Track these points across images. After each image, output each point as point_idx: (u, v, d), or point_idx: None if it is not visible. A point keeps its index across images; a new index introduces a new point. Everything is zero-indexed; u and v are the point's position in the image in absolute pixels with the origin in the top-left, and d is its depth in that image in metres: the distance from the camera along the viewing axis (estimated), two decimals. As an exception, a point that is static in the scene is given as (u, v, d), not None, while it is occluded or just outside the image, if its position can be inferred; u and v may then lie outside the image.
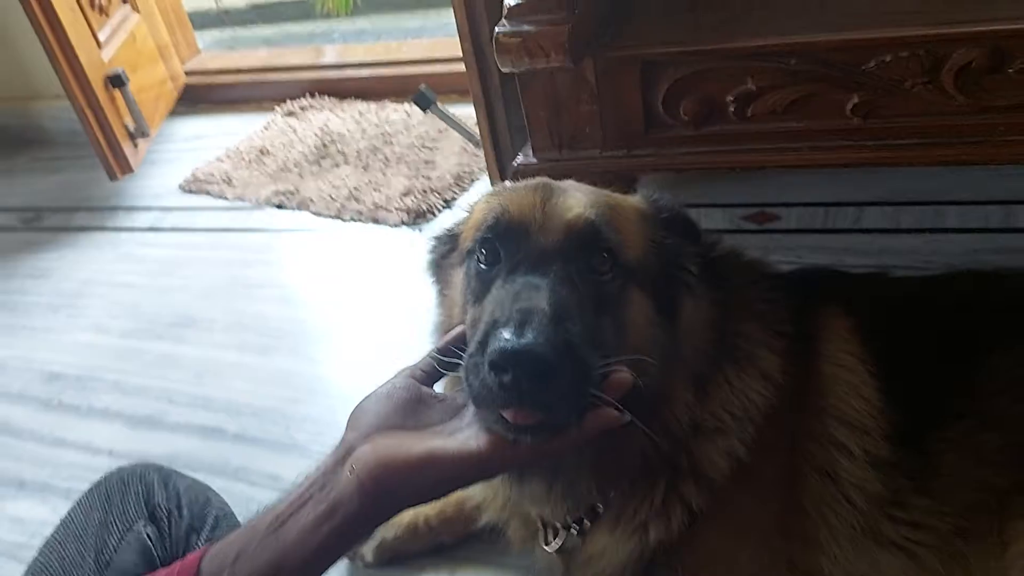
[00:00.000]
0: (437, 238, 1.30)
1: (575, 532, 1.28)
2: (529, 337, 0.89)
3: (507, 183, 1.25)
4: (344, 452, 0.92)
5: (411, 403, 0.99)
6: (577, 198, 1.11)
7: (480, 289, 1.09)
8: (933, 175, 2.24)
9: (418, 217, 2.71)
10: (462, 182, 2.85)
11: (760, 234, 2.30)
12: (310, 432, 1.95)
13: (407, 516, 1.57)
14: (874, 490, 1.24)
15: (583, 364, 0.93)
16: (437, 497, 1.12)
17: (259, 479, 1.85)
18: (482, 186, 2.79)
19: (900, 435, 1.27)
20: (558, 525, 1.29)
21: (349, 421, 0.98)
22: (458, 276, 1.18)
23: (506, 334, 0.89)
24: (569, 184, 1.18)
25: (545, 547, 1.31)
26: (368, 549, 1.57)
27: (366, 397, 1.01)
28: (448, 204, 2.77)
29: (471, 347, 0.98)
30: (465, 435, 0.93)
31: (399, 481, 0.89)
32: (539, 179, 1.19)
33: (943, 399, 1.29)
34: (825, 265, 1.53)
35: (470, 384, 0.94)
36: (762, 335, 1.28)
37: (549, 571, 1.37)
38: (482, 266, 1.10)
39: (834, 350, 1.33)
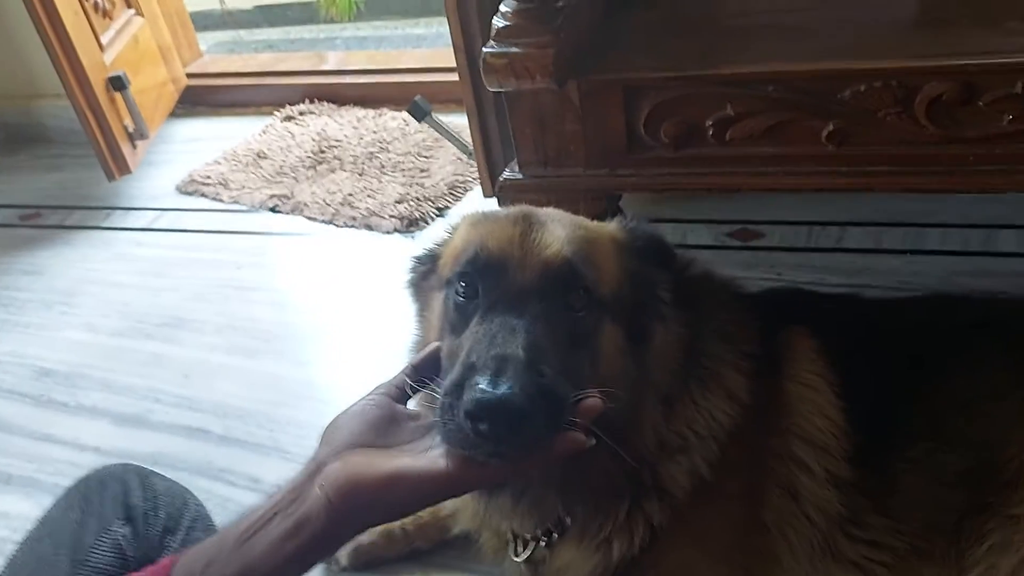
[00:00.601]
0: (418, 259, 1.32)
1: (543, 544, 1.31)
2: (504, 388, 0.91)
3: (488, 210, 1.26)
4: (315, 468, 0.94)
5: (384, 421, 1.00)
6: (556, 234, 1.13)
7: (458, 321, 1.11)
8: (916, 197, 2.27)
9: (411, 225, 2.74)
10: (456, 191, 2.89)
11: (743, 251, 2.33)
12: (294, 436, 1.98)
13: (383, 521, 1.60)
14: (833, 509, 1.28)
15: (557, 402, 0.95)
16: (406, 515, 1.15)
17: (241, 481, 1.88)
18: (475, 196, 2.82)
19: (861, 455, 1.30)
20: (527, 536, 1.32)
21: (322, 437, 0.99)
22: (437, 300, 1.20)
23: (482, 384, 0.91)
24: (549, 215, 1.19)
25: (515, 558, 1.34)
26: (343, 553, 1.60)
27: (340, 414, 1.02)
28: (441, 212, 2.80)
29: (446, 384, 0.99)
30: (434, 454, 0.94)
31: (367, 499, 0.90)
32: (520, 209, 1.22)
33: (904, 420, 1.32)
34: (794, 286, 1.56)
35: (444, 424, 0.95)
36: (729, 356, 1.31)
37: (519, 581, 1.40)
38: (460, 298, 1.12)
39: (799, 370, 1.36)
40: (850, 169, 1.56)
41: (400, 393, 1.07)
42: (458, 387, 0.95)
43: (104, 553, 1.19)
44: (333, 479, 0.91)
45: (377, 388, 1.06)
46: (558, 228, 1.15)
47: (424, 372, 1.11)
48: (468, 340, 1.04)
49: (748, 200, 2.44)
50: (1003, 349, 1.36)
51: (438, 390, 1.01)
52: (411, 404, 1.09)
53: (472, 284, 1.11)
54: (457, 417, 0.92)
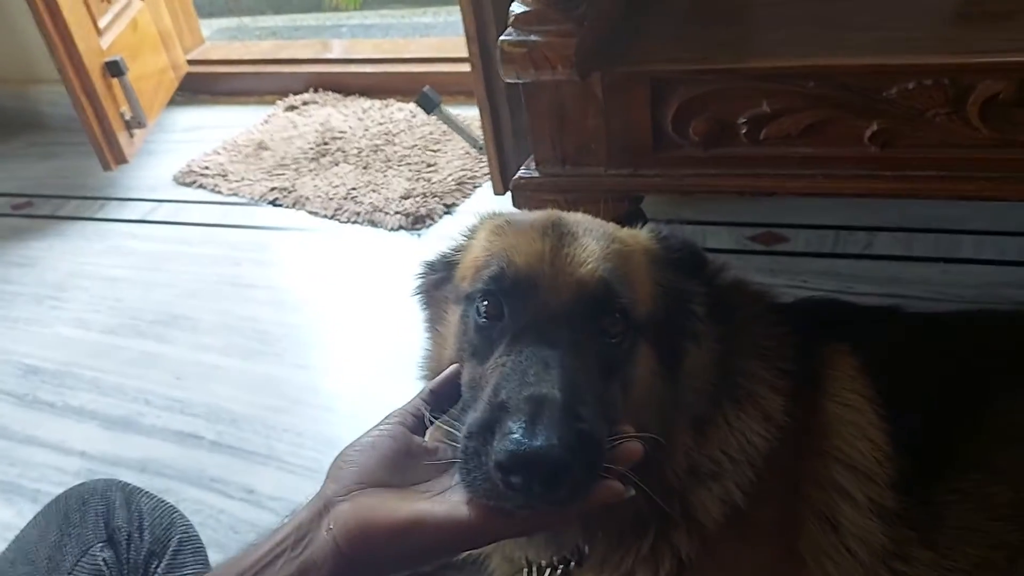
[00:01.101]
0: (430, 264, 1.21)
1: (559, 574, 1.21)
2: (542, 440, 0.81)
3: (511, 216, 1.15)
4: (322, 506, 0.85)
5: (398, 455, 0.91)
6: (589, 249, 1.03)
7: (481, 345, 1.01)
8: (949, 202, 2.17)
9: (417, 222, 2.64)
10: (464, 187, 2.78)
11: (766, 255, 2.24)
12: (292, 444, 1.88)
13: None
14: (876, 541, 1.19)
15: (596, 448, 0.87)
16: (420, 566, 1.05)
17: (233, 491, 1.78)
18: (485, 192, 2.72)
19: (906, 483, 1.21)
20: (543, 563, 1.23)
21: (330, 471, 0.90)
22: (453, 314, 1.10)
23: (516, 432, 0.82)
24: (580, 224, 1.09)
25: (528, 586, 1.24)
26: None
27: (350, 445, 0.93)
28: (449, 209, 2.70)
29: (471, 424, 0.89)
30: (456, 499, 0.85)
31: (379, 546, 0.82)
32: (548, 216, 1.11)
33: (952, 446, 1.24)
34: (832, 297, 1.46)
35: (468, 471, 0.85)
36: (765, 373, 1.22)
37: (531, 610, 1.30)
38: (483, 319, 1.02)
39: (840, 389, 1.27)
40: (894, 173, 1.46)
41: (417, 422, 0.97)
42: (486, 430, 0.86)
43: (83, 579, 1.10)
44: (343, 522, 0.82)
45: (391, 416, 0.96)
46: (591, 242, 1.04)
47: (443, 398, 1.01)
48: (495, 373, 0.94)
49: (772, 202, 2.34)
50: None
51: (457, 423, 0.91)
52: (427, 434, 0.99)
53: (497, 305, 1.00)
54: (485, 465, 0.83)
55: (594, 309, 0.99)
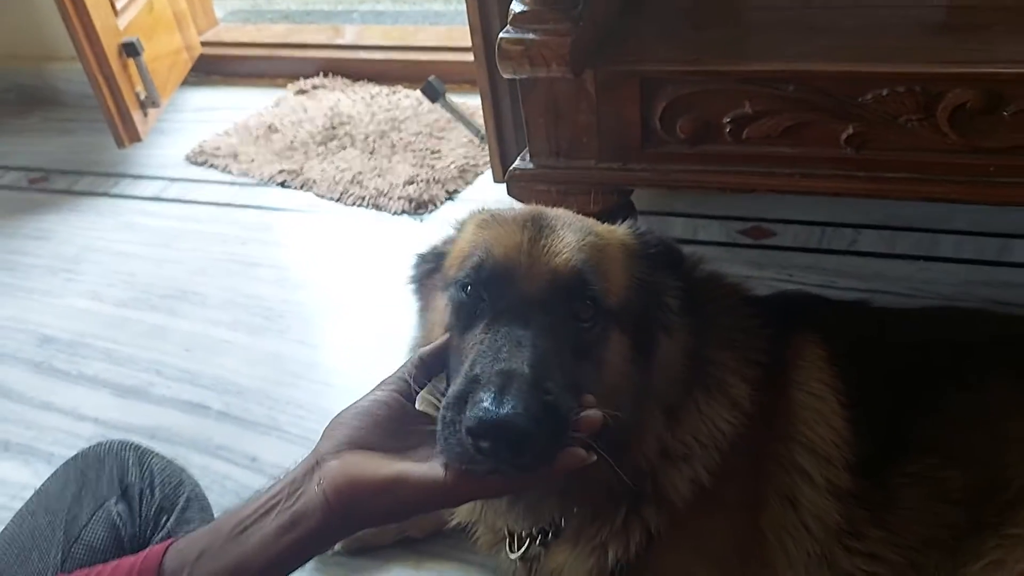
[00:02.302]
0: (422, 256, 1.30)
1: (539, 542, 1.30)
2: (508, 408, 0.89)
3: (497, 211, 1.23)
4: (314, 463, 0.93)
5: (389, 421, 0.99)
6: (565, 240, 1.11)
7: (463, 323, 1.10)
8: (931, 203, 2.24)
9: (419, 207, 2.72)
10: (466, 175, 2.86)
11: (754, 249, 2.31)
12: (293, 416, 1.98)
13: (378, 508, 1.60)
14: (832, 519, 1.27)
15: (561, 419, 0.94)
16: (400, 520, 1.14)
17: (238, 458, 1.88)
18: (486, 180, 2.80)
19: (863, 466, 1.28)
20: (523, 534, 1.32)
21: (325, 432, 0.98)
22: (440, 300, 1.18)
23: (486, 402, 0.90)
24: (559, 218, 1.17)
25: (510, 554, 1.33)
26: (337, 537, 1.59)
27: (346, 409, 1.01)
28: (451, 196, 2.78)
29: (448, 396, 0.97)
30: (434, 463, 0.93)
31: (363, 500, 0.90)
32: (530, 211, 1.19)
33: (910, 433, 1.31)
34: (805, 291, 1.53)
35: (445, 439, 0.93)
36: (735, 363, 1.30)
37: (512, 576, 1.39)
38: (465, 301, 1.10)
39: (807, 378, 1.34)
40: (867, 174, 1.54)
41: (408, 388, 1.05)
42: (460, 401, 0.94)
43: (99, 530, 1.19)
44: (331, 478, 0.90)
45: (386, 382, 1.05)
46: (568, 234, 1.13)
47: (432, 366, 1.09)
48: (472, 351, 1.03)
49: (762, 197, 2.40)
50: (1015, 368, 1.34)
51: (439, 396, 0.99)
52: (417, 401, 1.07)
53: (478, 291, 1.09)
54: (458, 432, 0.91)
55: (567, 296, 1.07)
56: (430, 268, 1.26)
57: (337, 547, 1.59)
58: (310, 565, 1.58)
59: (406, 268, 1.30)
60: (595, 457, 0.97)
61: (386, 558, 1.60)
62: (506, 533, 1.35)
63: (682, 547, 1.26)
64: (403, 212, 2.71)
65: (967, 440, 1.29)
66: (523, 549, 1.31)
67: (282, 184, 2.95)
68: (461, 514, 1.43)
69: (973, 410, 1.31)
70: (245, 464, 1.86)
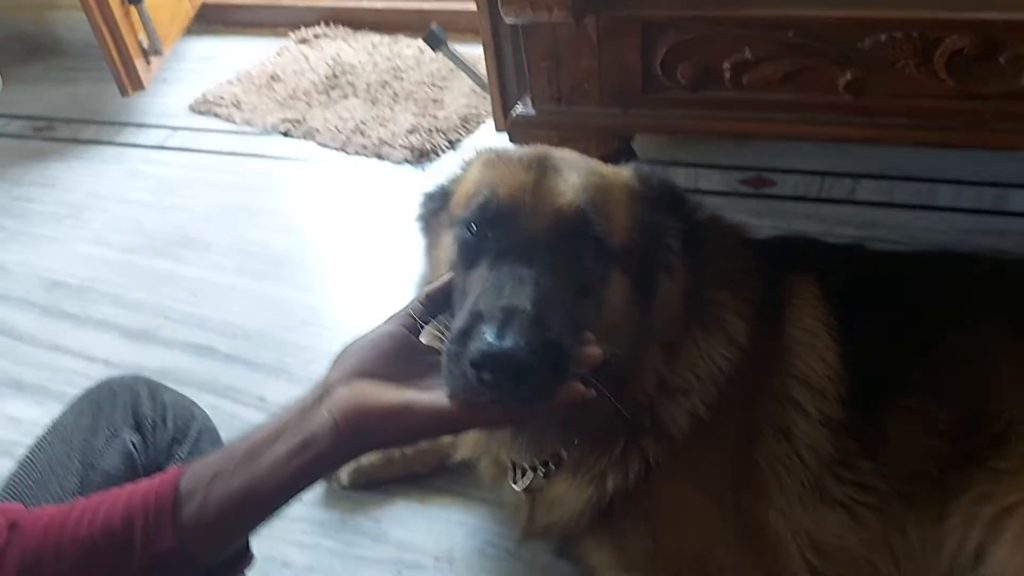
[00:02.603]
0: (428, 195, 1.32)
1: (541, 473, 1.35)
2: (510, 342, 0.92)
3: (503, 150, 1.25)
4: (323, 391, 0.96)
5: (396, 353, 1.02)
6: (570, 181, 1.13)
7: (468, 260, 1.12)
8: (931, 152, 2.25)
9: (422, 156, 2.74)
10: (468, 124, 2.87)
11: (755, 199, 2.32)
12: (300, 359, 2.02)
13: (384, 445, 1.64)
14: (824, 450, 1.30)
15: (562, 354, 0.97)
16: (407, 445, 1.17)
17: (247, 399, 1.92)
18: (488, 129, 2.80)
19: (855, 400, 1.32)
20: (525, 466, 1.36)
21: (334, 362, 1.01)
22: (446, 238, 1.21)
23: (489, 336, 0.93)
24: (564, 159, 1.19)
25: (513, 485, 1.38)
26: (344, 472, 1.65)
27: (353, 341, 1.04)
28: (453, 145, 2.79)
29: (453, 331, 1.00)
30: (439, 393, 0.96)
31: (371, 426, 0.93)
32: (536, 151, 1.21)
33: (901, 369, 1.34)
34: (802, 234, 1.56)
35: (449, 371, 0.96)
36: (732, 302, 1.33)
37: (515, 508, 1.45)
38: (470, 239, 1.13)
39: (801, 315, 1.38)
40: (865, 120, 1.56)
41: (414, 323, 1.08)
42: (464, 335, 0.97)
43: (114, 457, 1.23)
44: (341, 404, 0.93)
45: (393, 317, 1.08)
46: (572, 175, 1.15)
47: (438, 302, 1.12)
48: (476, 287, 1.06)
49: (762, 147, 2.43)
50: (1006, 308, 1.37)
51: (444, 330, 1.02)
52: (424, 337, 1.10)
53: (483, 229, 1.12)
54: (462, 364, 0.94)
55: (570, 235, 1.10)
56: (436, 207, 1.29)
57: (344, 482, 1.64)
58: (319, 498, 1.65)
59: (409, 216, 1.33)
60: (594, 392, 1.00)
61: (392, 492, 1.65)
62: (509, 465, 1.39)
63: (679, 476, 1.30)
64: (405, 161, 2.72)
65: (958, 377, 1.32)
66: (525, 480, 1.36)
67: (285, 133, 2.97)
68: (465, 449, 1.48)
69: (965, 348, 1.34)
70: (253, 404, 1.90)
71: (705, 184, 2.38)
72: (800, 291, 1.40)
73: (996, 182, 2.20)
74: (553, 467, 1.34)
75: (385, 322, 1.07)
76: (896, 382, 1.34)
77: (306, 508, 1.64)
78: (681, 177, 2.40)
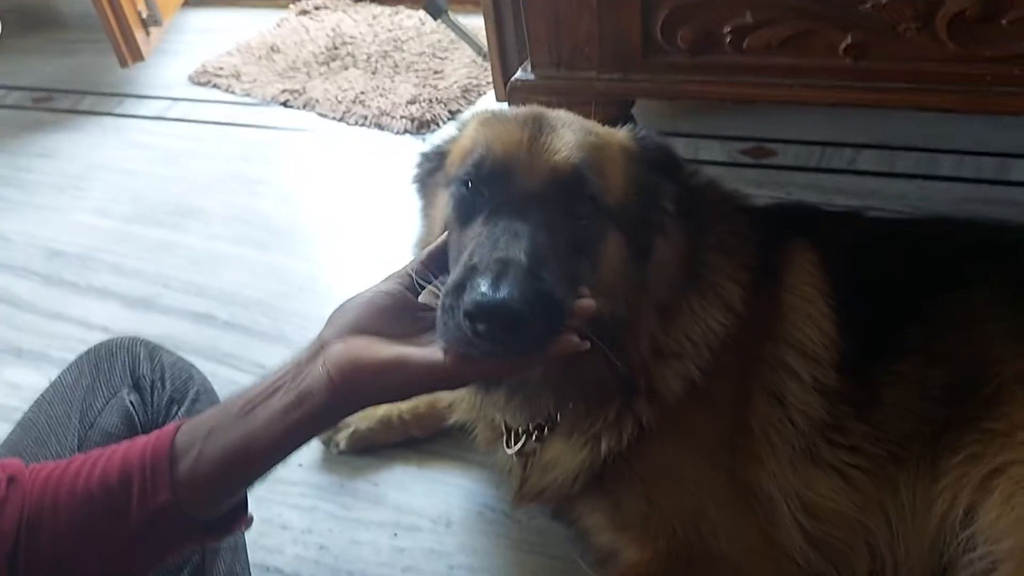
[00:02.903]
0: (425, 155, 1.33)
1: (535, 438, 1.36)
2: (504, 292, 0.93)
3: (500, 110, 1.25)
4: (318, 347, 0.97)
5: (392, 310, 1.02)
6: (565, 139, 1.13)
7: (464, 217, 1.12)
8: (933, 122, 2.25)
9: (422, 126, 2.73)
10: (469, 95, 2.86)
11: (755, 168, 2.32)
12: (297, 326, 2.02)
13: (381, 409, 1.65)
14: (817, 415, 1.31)
15: (555, 307, 0.97)
16: (400, 399, 1.17)
17: (245, 365, 1.93)
18: (488, 100, 2.79)
19: (849, 365, 1.32)
20: (520, 430, 1.37)
21: (329, 319, 1.02)
22: (442, 198, 1.21)
23: (483, 287, 0.93)
24: (560, 118, 1.19)
25: (507, 449, 1.39)
26: (342, 437, 1.65)
27: (350, 298, 1.04)
28: (453, 116, 2.78)
29: (448, 284, 1.01)
30: (434, 347, 0.97)
31: (365, 380, 0.94)
32: (531, 110, 1.21)
33: (897, 334, 1.34)
34: (800, 201, 1.55)
35: (444, 323, 0.97)
36: (728, 267, 1.33)
37: (510, 472, 1.45)
38: (466, 196, 1.13)
39: (797, 282, 1.38)
40: (866, 85, 1.55)
41: (412, 282, 1.08)
42: (459, 288, 0.97)
43: (113, 417, 1.24)
44: (336, 359, 0.94)
45: (392, 276, 1.08)
46: (568, 133, 1.15)
47: (437, 262, 1.12)
48: (471, 241, 1.06)
49: (763, 116, 2.42)
50: (1002, 275, 1.37)
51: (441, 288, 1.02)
52: (422, 297, 1.10)
53: (478, 186, 1.12)
54: (456, 316, 0.94)
55: (565, 192, 1.10)
56: (432, 167, 1.29)
57: (343, 446, 1.65)
58: (318, 462, 1.66)
59: (408, 185, 1.33)
60: (588, 344, 1.01)
61: (390, 456, 1.66)
62: (504, 429, 1.40)
63: (672, 439, 1.30)
64: (405, 132, 2.71)
65: (951, 341, 1.32)
66: (519, 444, 1.37)
67: (284, 104, 2.96)
68: (461, 412, 1.49)
69: (959, 313, 1.34)
70: (251, 370, 1.91)
71: (705, 154, 2.38)
72: (797, 258, 1.40)
73: (998, 152, 2.19)
74: (547, 431, 1.35)
75: (383, 280, 1.08)
76: (892, 347, 1.34)
77: (304, 472, 1.65)
78: (681, 147, 2.38)
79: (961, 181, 2.15)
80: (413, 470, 1.64)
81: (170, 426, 0.97)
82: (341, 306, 1.04)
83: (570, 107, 1.71)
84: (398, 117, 2.75)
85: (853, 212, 1.56)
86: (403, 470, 1.64)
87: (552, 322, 0.97)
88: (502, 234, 1.03)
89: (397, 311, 1.04)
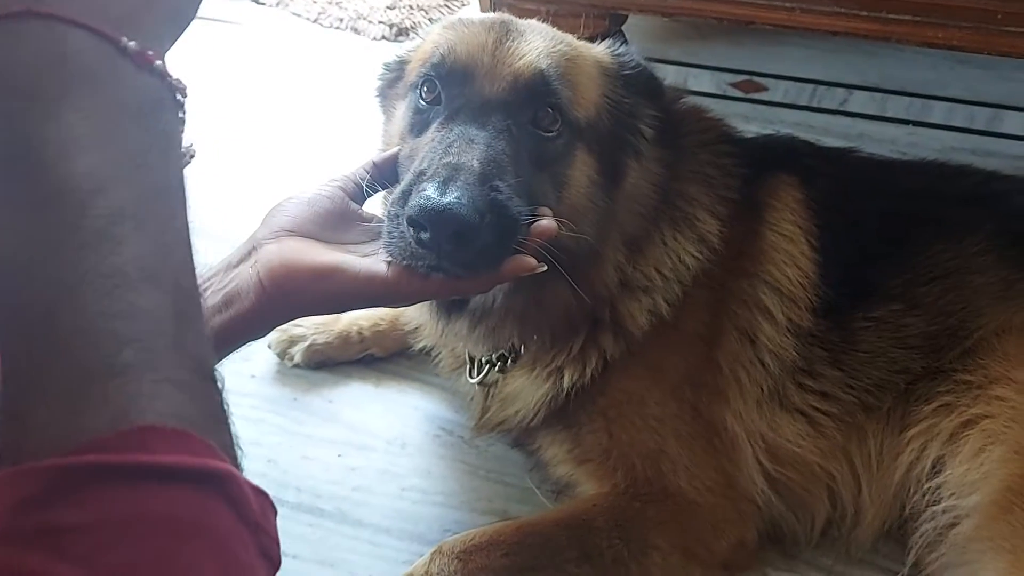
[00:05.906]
0: (386, 65, 1.25)
1: (497, 368, 1.32)
2: (451, 196, 0.87)
3: (466, 16, 1.18)
4: (251, 247, 0.92)
5: (332, 215, 0.97)
6: (532, 44, 1.07)
7: (418, 125, 1.07)
8: (929, 66, 2.20)
9: (400, 33, 2.59)
10: (451, 2, 2.73)
11: (744, 103, 2.25)
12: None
13: (341, 323, 1.59)
14: (789, 357, 1.28)
15: (509, 220, 0.92)
16: (335, 311, 1.13)
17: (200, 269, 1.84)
18: (472, 9, 2.66)
19: (827, 309, 1.29)
20: (483, 360, 1.33)
21: (264, 219, 0.97)
22: (400, 109, 1.15)
23: (429, 190, 0.88)
24: (530, 25, 1.12)
25: (469, 379, 1.35)
26: (297, 350, 1.58)
27: (287, 197, 0.99)
28: (433, 23, 2.64)
29: (396, 192, 0.95)
30: (377, 258, 0.91)
31: (298, 286, 0.89)
32: (499, 16, 1.14)
33: (877, 280, 1.31)
34: (791, 135, 1.49)
35: (389, 233, 0.92)
36: (706, 199, 1.28)
37: (471, 400, 1.42)
38: (423, 102, 1.07)
39: (779, 219, 1.33)
40: (870, 14, 1.48)
41: (357, 189, 1.03)
42: (406, 195, 0.92)
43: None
44: (267, 260, 0.89)
45: (333, 179, 1.03)
46: (536, 39, 1.08)
47: (385, 171, 1.07)
48: (423, 147, 0.99)
49: (756, 50, 2.34)
50: (992, 227, 1.33)
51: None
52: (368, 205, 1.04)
53: (436, 89, 1.06)
54: (401, 225, 0.89)
55: (528, 100, 1.04)
56: (394, 77, 1.22)
57: (298, 359, 1.58)
58: (271, 375, 1.60)
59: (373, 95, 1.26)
60: (545, 267, 0.96)
61: (347, 373, 1.60)
62: (467, 359, 1.36)
63: (637, 374, 1.27)
64: (383, 37, 2.59)
65: (935, 290, 1.30)
66: (482, 374, 1.33)
67: (256, 0, 2.79)
68: (425, 337, 1.44)
69: (946, 262, 1.31)
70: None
71: (694, 84, 2.29)
72: (781, 194, 1.35)
73: (991, 102, 2.14)
74: (510, 362, 1.31)
75: (324, 183, 1.02)
76: (872, 293, 1.31)
77: (256, 383, 1.59)
78: (670, 76, 2.30)
79: (952, 130, 2.11)
80: (370, 389, 1.58)
81: None
82: (278, 205, 0.98)
83: (559, 18, 1.64)
84: (376, 22, 2.62)
85: (845, 149, 1.49)
86: (360, 388, 1.58)
87: (505, 238, 0.92)
88: (456, 139, 0.97)
89: (338, 217, 0.98)
